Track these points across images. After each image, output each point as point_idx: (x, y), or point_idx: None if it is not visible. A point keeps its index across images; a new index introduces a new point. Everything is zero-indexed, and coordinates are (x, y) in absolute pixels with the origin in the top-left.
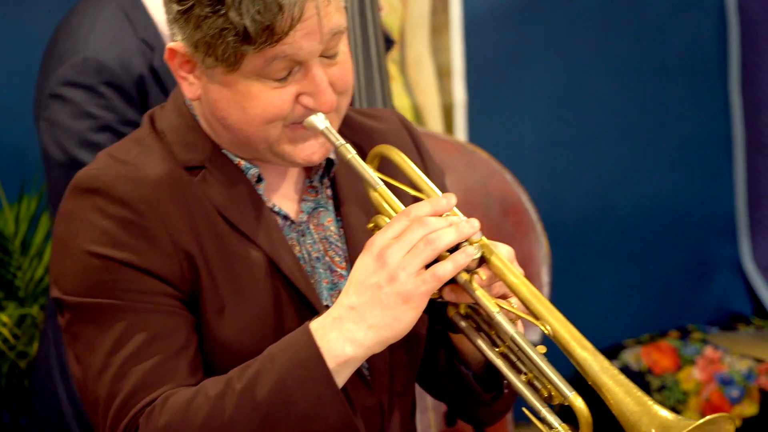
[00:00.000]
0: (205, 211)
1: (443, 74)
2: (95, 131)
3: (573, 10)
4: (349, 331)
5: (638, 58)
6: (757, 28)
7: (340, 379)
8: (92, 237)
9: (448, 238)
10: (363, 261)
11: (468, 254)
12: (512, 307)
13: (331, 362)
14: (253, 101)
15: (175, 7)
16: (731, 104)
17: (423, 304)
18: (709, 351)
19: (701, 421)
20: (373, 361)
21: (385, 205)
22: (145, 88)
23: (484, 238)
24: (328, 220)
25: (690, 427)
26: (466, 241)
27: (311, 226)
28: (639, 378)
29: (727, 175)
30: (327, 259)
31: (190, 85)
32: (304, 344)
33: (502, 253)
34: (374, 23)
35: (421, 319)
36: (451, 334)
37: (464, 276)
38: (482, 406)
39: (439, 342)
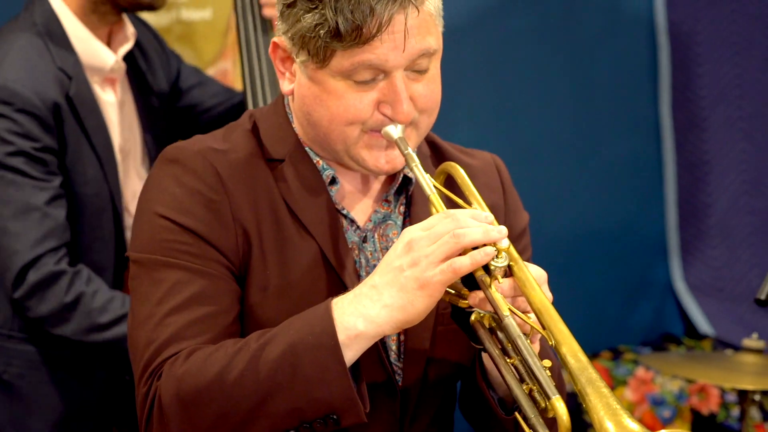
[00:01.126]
0: (272, 197)
1: None
2: (10, 155)
3: (505, 32)
4: (365, 307)
5: (570, 79)
6: (687, 50)
7: (350, 353)
8: (163, 201)
9: (474, 237)
10: (394, 247)
11: (486, 253)
12: (525, 316)
13: (341, 334)
14: (336, 100)
15: (282, 2)
16: (662, 125)
17: (437, 294)
18: (640, 372)
19: None
20: (407, 369)
21: (434, 211)
22: (61, 115)
23: (513, 251)
24: (394, 233)
25: None
26: (493, 246)
27: (375, 235)
28: (572, 398)
29: (659, 196)
30: None
31: (286, 79)
32: (321, 315)
33: (530, 269)
34: None
35: (466, 347)
36: (485, 357)
37: (485, 279)
38: None
39: (473, 365)
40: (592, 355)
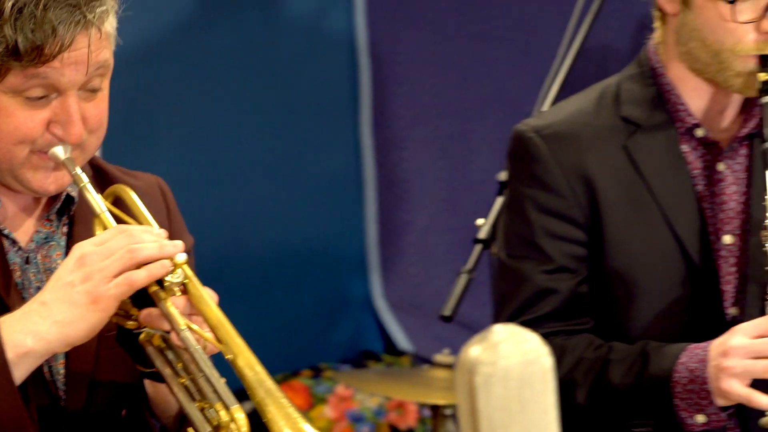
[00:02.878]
0: None
1: None
2: None
3: (206, 50)
4: (34, 324)
5: (272, 98)
6: (387, 70)
7: (18, 372)
8: None
9: (150, 251)
10: (65, 263)
11: (163, 266)
12: (202, 330)
13: (10, 351)
14: (6, 118)
15: None
16: (362, 144)
17: (111, 309)
18: (340, 389)
19: None
20: (70, 395)
21: (102, 230)
22: None
23: (188, 269)
24: (57, 254)
25: None
26: (170, 260)
27: (38, 256)
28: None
29: (359, 213)
30: None
31: None
32: None
33: (202, 287)
34: None
35: (132, 371)
36: (147, 384)
37: (160, 293)
38: None
39: (137, 392)
40: (292, 373)
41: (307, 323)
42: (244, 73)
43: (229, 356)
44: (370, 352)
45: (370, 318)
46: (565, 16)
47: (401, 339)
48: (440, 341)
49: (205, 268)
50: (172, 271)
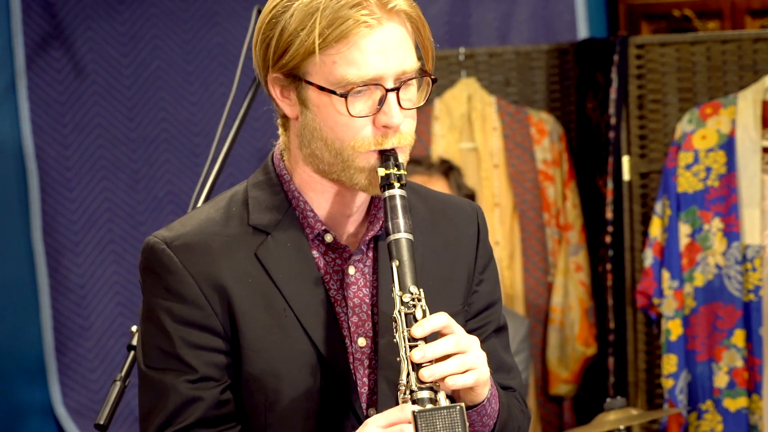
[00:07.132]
0: None
1: None
2: None
3: None
4: None
5: None
6: (55, 175)
7: None
8: None
9: None
10: None
11: None
12: None
13: None
14: None
15: None
16: (35, 250)
17: None
18: None
19: None
20: None
21: None
22: None
23: None
24: None
25: None
26: None
27: None
28: None
29: (35, 321)
30: None
31: None
32: None
33: None
34: None
35: None
36: None
37: None
38: None
39: None
40: None
41: None
42: None
43: None
44: None
45: (52, 426)
46: (230, 119)
47: None
48: None
49: None
50: None
